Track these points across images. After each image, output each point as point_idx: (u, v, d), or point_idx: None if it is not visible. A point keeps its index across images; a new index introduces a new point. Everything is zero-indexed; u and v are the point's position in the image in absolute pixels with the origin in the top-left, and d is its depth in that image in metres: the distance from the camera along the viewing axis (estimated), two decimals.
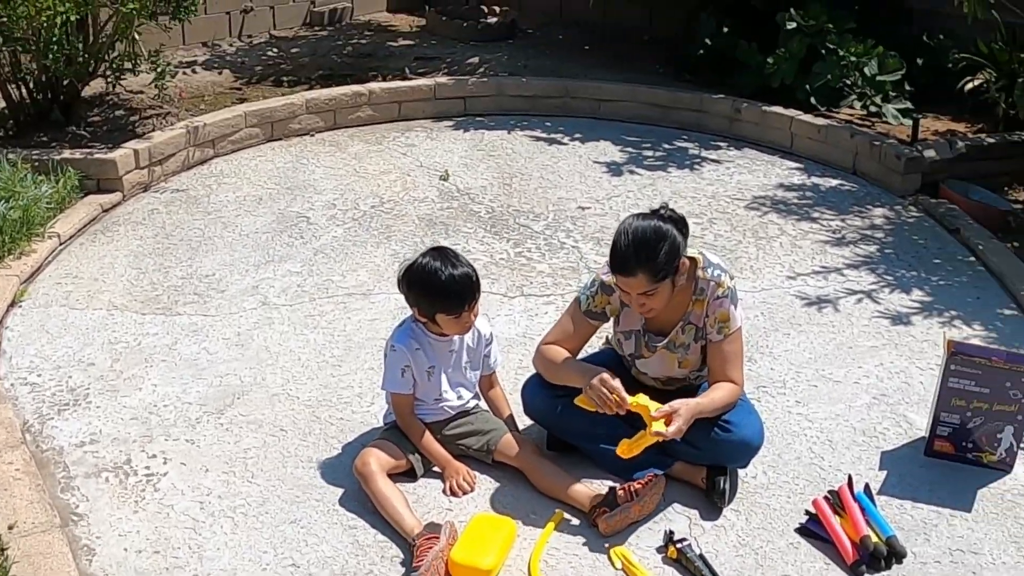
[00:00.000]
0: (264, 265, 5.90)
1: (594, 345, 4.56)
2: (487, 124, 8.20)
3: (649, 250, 3.84)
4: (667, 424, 3.81)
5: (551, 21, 10.45)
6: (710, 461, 4.10)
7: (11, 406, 4.57)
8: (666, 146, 7.87)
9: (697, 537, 3.91)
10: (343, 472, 4.19)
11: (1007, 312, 5.61)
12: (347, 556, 3.80)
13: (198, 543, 3.85)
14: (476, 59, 9.25)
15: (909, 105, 7.88)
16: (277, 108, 7.78)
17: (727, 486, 4.05)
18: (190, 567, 3.74)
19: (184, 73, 8.59)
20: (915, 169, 7.07)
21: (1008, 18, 7.55)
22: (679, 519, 4.02)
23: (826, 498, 4.06)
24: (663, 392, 4.25)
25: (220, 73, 8.77)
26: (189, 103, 7.89)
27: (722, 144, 7.95)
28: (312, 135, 7.88)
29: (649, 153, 7.73)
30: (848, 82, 8.00)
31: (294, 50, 9.50)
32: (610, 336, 4.49)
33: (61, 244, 6.03)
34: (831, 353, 5.19)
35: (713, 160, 7.64)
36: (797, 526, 4.00)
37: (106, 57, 7.22)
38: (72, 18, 6.59)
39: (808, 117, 7.82)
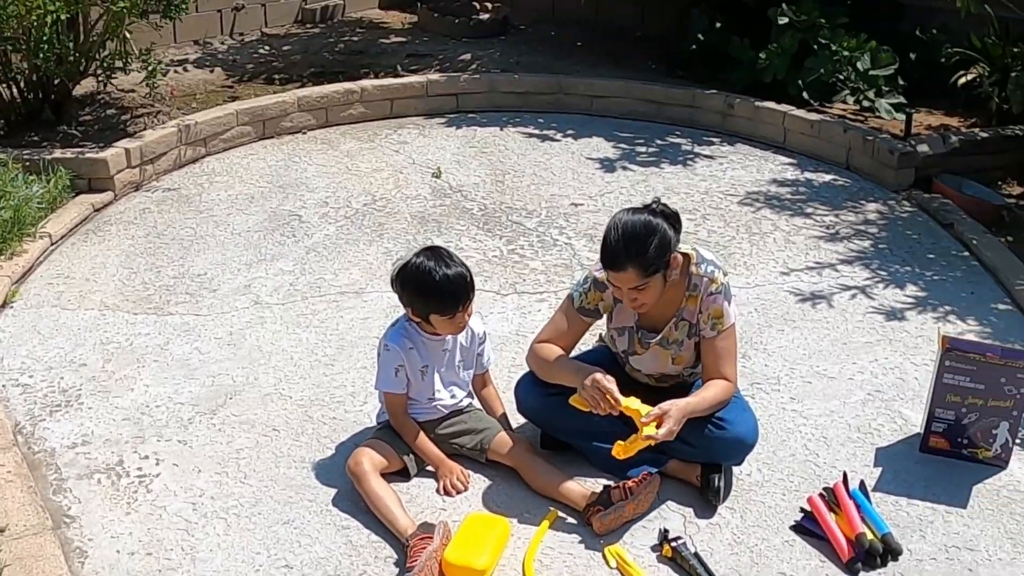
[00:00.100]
0: (256, 264, 5.88)
1: (587, 342, 4.54)
2: (479, 121, 8.18)
3: (639, 244, 3.82)
4: (658, 427, 3.80)
5: (543, 18, 10.42)
6: (705, 459, 4.09)
7: (2, 408, 4.56)
8: (659, 142, 7.86)
9: (692, 535, 3.91)
10: (336, 472, 4.18)
11: (1001, 307, 5.61)
12: (340, 557, 3.78)
13: (191, 544, 3.83)
14: (468, 56, 9.23)
15: (902, 100, 7.87)
16: (269, 106, 7.75)
17: (722, 484, 4.05)
18: (183, 568, 3.72)
19: (175, 71, 8.56)
20: (908, 164, 7.07)
21: (1001, 12, 7.55)
22: (674, 517, 4.01)
23: (821, 495, 4.05)
24: (657, 389, 4.24)
25: (212, 71, 8.74)
26: (180, 101, 7.86)
27: (715, 140, 7.94)
28: (304, 133, 7.86)
29: (642, 149, 7.72)
30: (841, 77, 7.99)
31: (286, 48, 9.47)
32: (603, 333, 4.48)
33: (52, 244, 6.01)
34: (825, 349, 5.19)
35: (706, 156, 7.63)
36: (792, 523, 4.00)
37: (97, 56, 7.19)
38: (62, 17, 6.56)
39: (801, 112, 7.81)
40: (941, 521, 4.05)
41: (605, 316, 4.24)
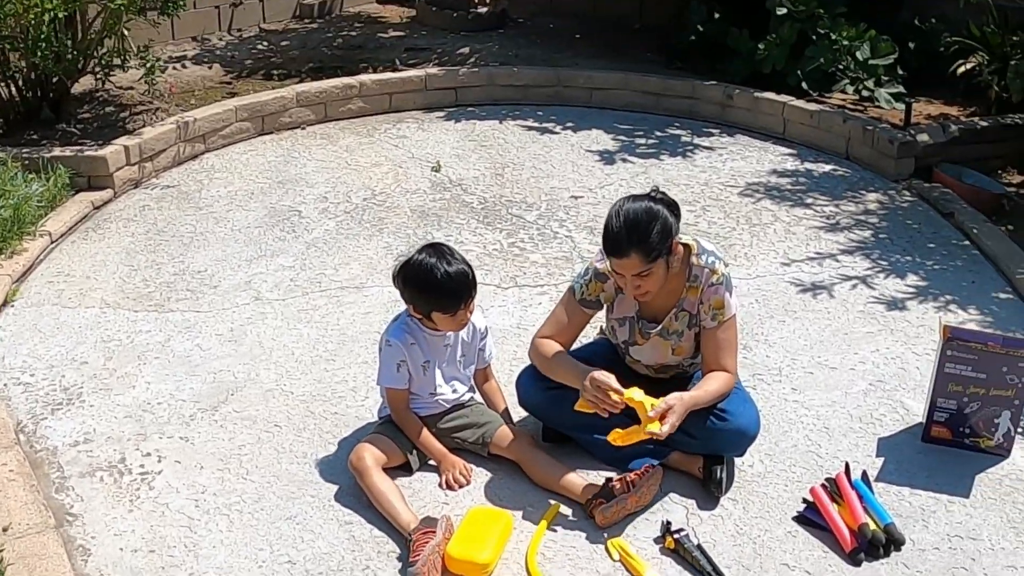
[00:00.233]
0: (256, 260, 5.88)
1: (588, 335, 4.54)
2: (478, 114, 8.18)
3: (641, 230, 3.82)
4: (661, 422, 3.80)
5: (542, 10, 10.41)
6: (707, 450, 4.09)
7: (4, 406, 4.55)
8: (658, 134, 7.86)
9: (695, 527, 3.91)
10: (338, 467, 4.18)
11: (1002, 296, 5.61)
12: (343, 552, 3.78)
13: (194, 541, 3.83)
14: (467, 49, 9.22)
15: (901, 89, 7.88)
16: (268, 102, 7.74)
17: (724, 475, 4.05)
18: (186, 565, 3.72)
19: (174, 68, 8.55)
20: (908, 153, 7.06)
21: (1000, 1, 7.54)
22: (676, 509, 4.01)
23: (823, 486, 4.05)
24: (657, 380, 4.24)
25: (210, 67, 8.73)
26: (179, 98, 7.86)
27: (714, 131, 7.93)
28: (303, 128, 7.85)
29: (641, 141, 7.71)
30: (840, 67, 7.99)
31: (284, 43, 9.47)
32: (603, 326, 4.48)
33: (52, 242, 6.00)
34: (827, 340, 5.18)
35: (706, 147, 7.62)
36: (795, 514, 4.00)
37: (95, 53, 7.18)
38: (60, 15, 6.56)
39: (800, 103, 7.80)
40: (944, 511, 4.05)
41: (606, 307, 4.24)
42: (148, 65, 7.17)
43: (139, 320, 5.28)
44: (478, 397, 4.41)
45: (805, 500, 4.04)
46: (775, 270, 5.85)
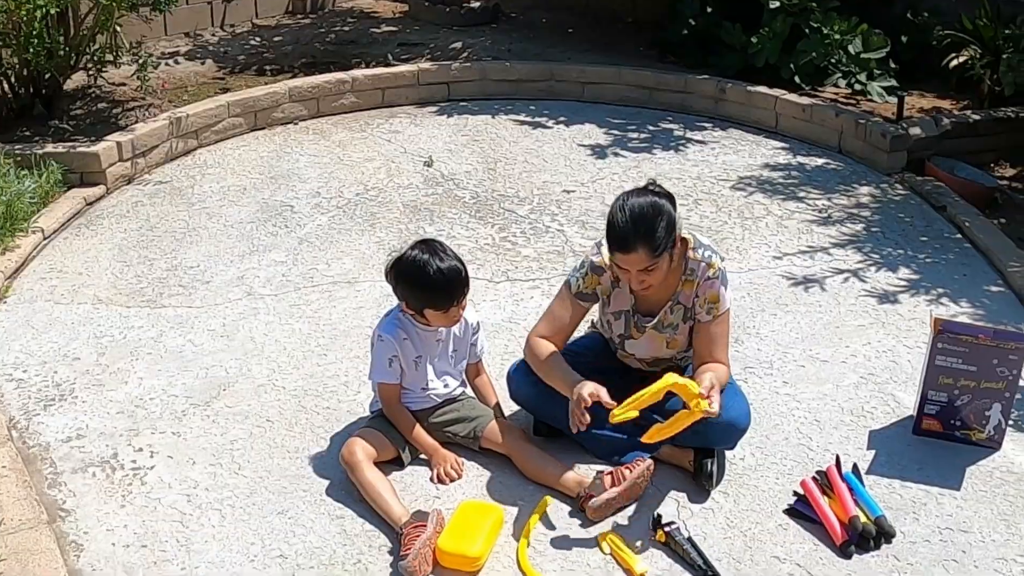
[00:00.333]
0: (249, 255, 5.88)
1: (580, 329, 4.54)
2: (471, 109, 8.18)
3: (648, 225, 3.82)
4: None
5: (534, 5, 10.41)
6: (698, 443, 4.09)
7: None
8: (651, 128, 7.86)
9: (685, 520, 3.91)
10: (330, 462, 4.18)
11: (994, 289, 5.62)
12: (335, 546, 3.79)
13: (186, 536, 3.84)
14: (459, 44, 9.22)
15: (894, 83, 7.89)
16: (260, 97, 7.74)
17: (715, 468, 4.05)
18: (178, 560, 3.73)
19: (166, 64, 8.54)
20: (901, 147, 7.07)
21: None
22: (667, 502, 4.02)
23: (814, 479, 4.06)
24: (648, 374, 4.24)
25: (203, 63, 8.72)
26: (172, 94, 7.85)
27: (707, 125, 7.94)
28: (296, 123, 7.86)
29: (634, 135, 7.72)
30: (833, 60, 7.99)
31: (277, 38, 9.46)
32: (595, 320, 4.48)
33: (45, 239, 6.00)
34: (818, 333, 5.19)
35: (698, 141, 7.62)
36: (785, 507, 4.00)
37: (87, 50, 7.18)
38: (52, 11, 6.56)
39: (793, 96, 7.81)
40: (934, 503, 4.05)
41: (601, 301, 4.23)
42: (141, 61, 7.18)
43: (131, 316, 5.28)
44: (469, 391, 4.41)
45: (796, 493, 4.05)
46: (767, 263, 5.85)
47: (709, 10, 8.70)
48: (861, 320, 5.31)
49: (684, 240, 4.03)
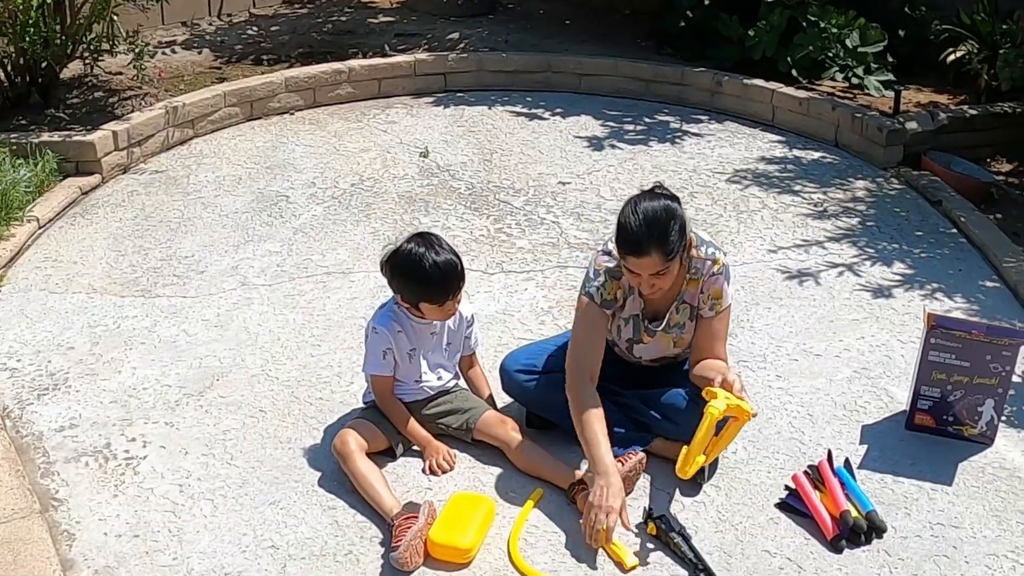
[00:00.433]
0: (243, 245, 5.88)
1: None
2: (468, 100, 8.17)
3: (662, 229, 3.79)
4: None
5: None
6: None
7: None
8: (647, 120, 7.85)
9: (677, 513, 3.92)
10: (322, 452, 4.19)
11: (989, 284, 5.62)
12: (327, 537, 3.79)
13: (178, 526, 3.84)
14: (456, 35, 9.20)
15: (891, 77, 7.87)
16: (256, 87, 7.73)
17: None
18: (170, 550, 3.73)
19: (163, 53, 8.52)
20: (897, 141, 7.07)
21: None
22: (659, 496, 4.02)
23: (806, 473, 4.07)
24: (648, 369, 4.24)
25: (199, 52, 8.71)
26: (168, 83, 7.83)
27: (703, 117, 7.93)
28: (292, 113, 7.84)
29: (630, 127, 7.71)
30: (830, 54, 7.98)
31: (273, 28, 9.44)
32: None
33: (40, 228, 6.00)
34: (812, 327, 5.19)
35: (694, 134, 7.62)
36: (777, 501, 4.01)
37: (84, 39, 7.16)
38: (48, 0, 6.53)
39: (790, 89, 7.80)
40: (926, 498, 4.06)
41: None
42: (137, 50, 7.17)
43: (126, 306, 5.28)
44: (463, 383, 4.41)
45: (787, 487, 4.05)
46: (762, 257, 5.85)
47: (706, 2, 8.68)
48: (855, 314, 5.31)
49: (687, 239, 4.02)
